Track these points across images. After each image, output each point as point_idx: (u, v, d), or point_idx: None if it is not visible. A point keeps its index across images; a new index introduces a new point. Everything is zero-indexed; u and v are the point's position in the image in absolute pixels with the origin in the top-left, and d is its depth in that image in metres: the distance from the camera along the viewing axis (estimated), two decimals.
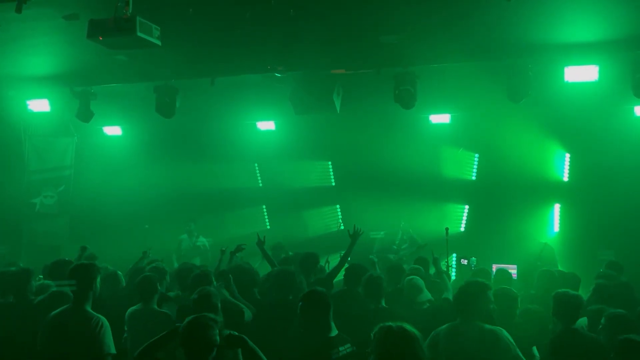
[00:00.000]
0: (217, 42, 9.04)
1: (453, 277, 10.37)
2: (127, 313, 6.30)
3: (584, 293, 7.28)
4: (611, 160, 11.19)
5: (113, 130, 13.99)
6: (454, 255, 11.83)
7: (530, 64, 9.38)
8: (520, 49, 9.08)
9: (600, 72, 9.44)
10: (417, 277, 7.08)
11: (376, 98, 10.79)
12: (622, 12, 7.82)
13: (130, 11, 6.56)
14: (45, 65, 10.58)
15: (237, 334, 4.36)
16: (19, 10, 6.94)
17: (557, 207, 12.23)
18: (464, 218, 12.96)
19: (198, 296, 5.44)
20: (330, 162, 13.97)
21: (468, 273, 9.21)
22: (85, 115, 11.50)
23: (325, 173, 14.00)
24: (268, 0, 7.44)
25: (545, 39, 8.85)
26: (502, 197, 12.07)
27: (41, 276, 7.89)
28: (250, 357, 4.31)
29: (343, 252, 10.22)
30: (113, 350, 5.28)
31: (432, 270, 8.21)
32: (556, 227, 12.07)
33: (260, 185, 14.41)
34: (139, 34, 6.52)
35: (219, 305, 5.43)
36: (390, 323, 3.79)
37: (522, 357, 4.94)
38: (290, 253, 9.98)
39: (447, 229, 9.89)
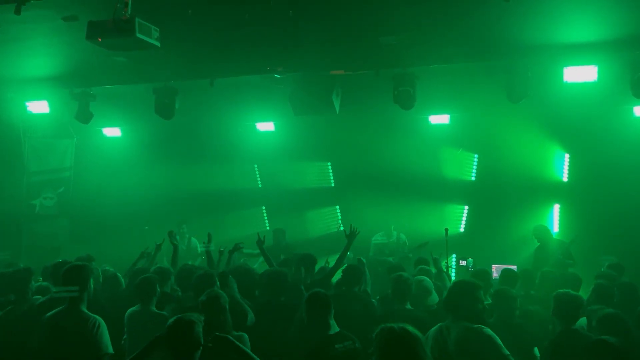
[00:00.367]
0: (216, 43, 9.04)
1: (453, 278, 10.36)
2: (126, 314, 6.30)
3: (584, 293, 7.32)
4: (610, 161, 11.19)
5: (112, 132, 13.99)
6: (454, 255, 11.84)
7: (530, 64, 9.38)
8: (519, 49, 9.08)
9: (599, 73, 9.44)
10: (427, 279, 7.08)
11: (375, 99, 10.78)
12: (621, 12, 7.82)
13: (130, 12, 6.56)
14: (45, 66, 10.58)
15: (221, 335, 4.39)
16: (18, 11, 6.95)
17: (556, 208, 12.23)
18: (464, 218, 12.96)
19: (206, 298, 5.41)
20: (329, 163, 13.97)
21: (466, 274, 9.22)
22: (85, 116, 11.50)
23: (324, 174, 14.00)
24: (267, 1, 7.44)
25: (544, 40, 8.85)
26: (501, 197, 12.07)
27: (40, 277, 7.89)
28: (238, 358, 4.33)
29: (348, 253, 10.31)
30: (110, 350, 5.29)
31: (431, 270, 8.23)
32: (556, 228, 12.07)
33: (260, 186, 14.41)
34: (138, 35, 6.52)
35: (227, 307, 5.42)
36: (392, 324, 3.79)
37: (511, 357, 4.88)
38: (282, 256, 10.02)
39: (446, 229, 9.91)
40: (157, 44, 6.85)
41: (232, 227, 12.02)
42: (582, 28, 8.52)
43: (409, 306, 6.36)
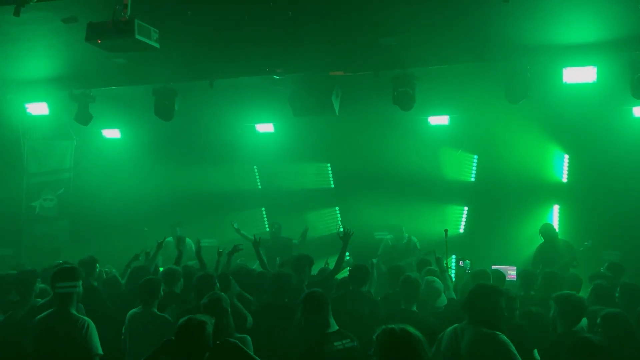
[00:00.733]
0: (216, 44, 9.04)
1: (453, 279, 10.35)
2: (127, 315, 6.28)
3: (584, 294, 7.31)
4: (610, 161, 11.19)
5: (112, 133, 14.00)
6: (453, 256, 11.83)
7: (529, 65, 9.38)
8: (519, 50, 9.09)
9: (598, 73, 9.44)
10: (438, 281, 7.08)
11: (375, 100, 10.79)
12: (620, 13, 7.83)
13: (129, 14, 6.57)
14: (44, 68, 10.59)
15: (232, 340, 4.39)
16: (17, 13, 6.94)
17: (556, 208, 12.23)
18: (463, 219, 12.95)
19: (209, 300, 5.39)
20: (329, 164, 13.97)
21: (465, 275, 9.22)
22: (84, 118, 11.50)
23: (324, 175, 14.00)
24: (267, 2, 7.45)
25: (544, 40, 8.86)
26: (501, 198, 12.07)
27: (39, 279, 7.88)
28: None
29: (348, 253, 10.29)
30: (100, 351, 5.30)
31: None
32: (555, 228, 12.05)
33: (260, 187, 14.41)
34: (137, 36, 6.53)
35: (229, 309, 5.42)
36: (393, 325, 3.76)
37: None
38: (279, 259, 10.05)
39: (446, 230, 9.90)
40: (157, 45, 6.86)
41: (231, 228, 12.00)
42: (581, 29, 8.53)
43: (414, 308, 6.34)
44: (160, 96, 10.82)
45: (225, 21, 8.15)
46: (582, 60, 9.40)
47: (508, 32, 8.57)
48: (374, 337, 3.82)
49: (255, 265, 9.39)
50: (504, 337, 4.80)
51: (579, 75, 9.56)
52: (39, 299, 6.65)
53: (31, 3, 6.86)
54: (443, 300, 6.90)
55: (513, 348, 4.75)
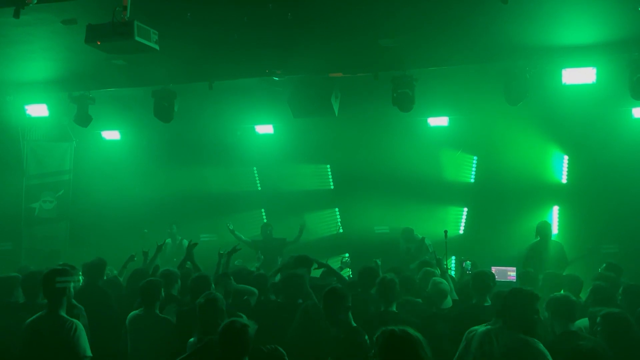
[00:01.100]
0: (215, 46, 9.05)
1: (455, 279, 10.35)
2: (128, 317, 6.28)
3: (584, 294, 7.32)
4: (609, 162, 11.19)
5: (112, 135, 13.99)
6: (453, 257, 11.84)
7: (528, 66, 9.38)
8: (518, 51, 9.10)
9: (597, 74, 9.44)
10: (445, 282, 7.07)
11: (374, 101, 10.79)
12: (619, 14, 7.83)
13: (128, 16, 6.57)
14: (44, 70, 10.58)
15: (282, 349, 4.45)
16: (17, 15, 6.94)
17: (555, 209, 12.23)
18: (463, 220, 12.96)
19: (205, 300, 5.44)
20: (328, 166, 13.97)
21: (464, 276, 9.22)
22: (83, 119, 11.49)
23: (324, 176, 14.00)
24: (266, 4, 7.45)
25: (543, 41, 8.86)
26: (500, 199, 12.07)
27: None
28: None
29: (343, 255, 10.30)
30: (89, 353, 5.29)
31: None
32: (555, 229, 12.06)
33: (259, 189, 14.41)
34: (137, 38, 6.53)
35: (224, 309, 5.43)
36: (393, 327, 3.76)
37: None
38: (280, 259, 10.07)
39: (446, 231, 9.92)
40: (156, 47, 6.86)
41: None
42: (580, 30, 8.54)
43: (394, 308, 6.32)
44: (160, 98, 10.82)
45: (225, 23, 8.15)
46: (582, 61, 9.41)
47: (507, 33, 8.57)
48: (374, 338, 3.83)
49: (253, 268, 9.40)
50: (542, 346, 4.79)
51: (578, 76, 9.56)
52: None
53: (31, 5, 6.85)
54: (449, 302, 6.90)
55: (550, 357, 4.75)
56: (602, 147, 11.25)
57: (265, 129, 13.12)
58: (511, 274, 9.75)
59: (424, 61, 9.62)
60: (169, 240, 12.37)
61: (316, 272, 8.54)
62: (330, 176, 13.98)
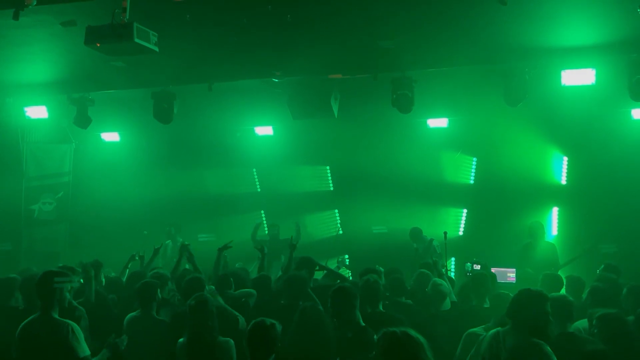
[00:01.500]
0: (215, 48, 9.05)
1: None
2: (125, 319, 6.28)
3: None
4: (609, 163, 11.20)
5: (111, 137, 14.00)
6: (453, 259, 11.84)
7: (527, 67, 9.38)
8: (517, 52, 9.10)
9: (597, 76, 9.45)
10: (445, 284, 7.07)
11: (374, 103, 10.81)
12: (619, 15, 7.83)
13: (128, 17, 6.58)
14: (43, 71, 10.58)
15: None
16: (16, 17, 6.94)
17: (555, 211, 12.23)
18: (463, 222, 12.96)
19: (195, 302, 5.46)
20: (328, 167, 13.98)
21: (463, 278, 9.21)
22: (83, 121, 11.48)
23: (323, 178, 14.01)
24: (265, 5, 7.45)
25: (542, 43, 8.86)
26: (500, 200, 12.07)
27: None
28: None
29: (343, 257, 10.26)
30: (88, 352, 5.26)
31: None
32: (555, 231, 12.07)
33: (259, 190, 14.41)
34: (136, 40, 6.53)
35: (215, 311, 5.46)
36: (394, 328, 3.73)
37: None
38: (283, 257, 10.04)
39: (445, 233, 9.91)
40: (156, 48, 6.86)
41: (231, 232, 12.00)
42: (579, 31, 8.54)
43: (380, 308, 6.29)
44: (159, 99, 10.81)
45: (224, 24, 8.16)
46: (581, 62, 9.41)
47: (506, 34, 8.57)
48: (375, 339, 3.82)
49: (251, 269, 9.41)
50: (549, 349, 4.74)
51: (578, 77, 9.57)
52: None
53: (30, 7, 6.86)
54: (447, 304, 6.90)
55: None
56: (601, 148, 11.26)
57: (264, 130, 13.13)
58: (511, 275, 9.74)
59: (423, 62, 9.61)
60: (168, 242, 12.35)
61: (319, 274, 8.55)
62: (329, 177, 13.99)
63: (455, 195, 12.77)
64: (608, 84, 9.58)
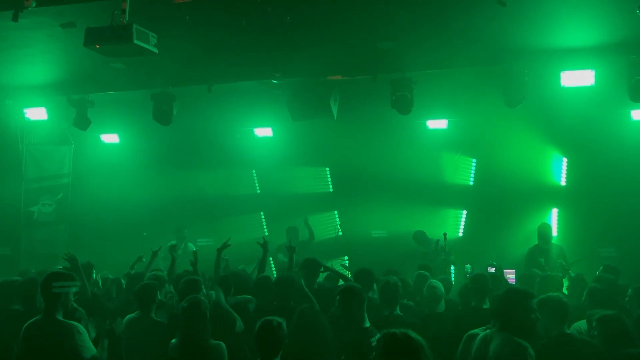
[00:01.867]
0: (214, 49, 9.05)
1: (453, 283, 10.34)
2: (124, 320, 6.28)
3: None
4: (609, 164, 11.19)
5: (110, 138, 13.98)
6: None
7: (527, 69, 9.38)
8: (516, 54, 9.11)
9: (596, 77, 9.46)
10: (440, 286, 7.07)
11: (373, 104, 10.79)
12: (618, 16, 7.84)
13: (127, 19, 6.58)
14: (42, 73, 10.59)
15: None
16: (15, 18, 6.95)
17: (554, 212, 12.23)
18: (462, 223, 12.95)
19: (187, 304, 5.49)
20: (328, 168, 13.96)
21: (462, 280, 9.21)
22: (82, 123, 11.49)
23: (323, 179, 13.99)
24: (264, 7, 7.45)
25: (541, 44, 8.87)
26: (499, 201, 12.05)
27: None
28: None
29: (345, 258, 10.22)
30: (94, 351, 5.26)
31: None
32: (554, 232, 12.06)
33: (258, 191, 14.39)
34: (135, 41, 6.54)
35: (208, 313, 5.48)
36: (394, 330, 3.72)
37: None
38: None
39: (445, 234, 9.89)
40: (155, 50, 6.87)
41: (230, 233, 11.96)
42: (579, 32, 8.55)
43: (398, 311, 6.31)
44: (159, 101, 10.82)
45: (224, 26, 8.17)
46: (580, 63, 9.41)
47: (506, 35, 8.58)
48: (375, 341, 3.82)
49: (250, 270, 9.39)
50: (530, 351, 4.72)
51: (577, 78, 9.58)
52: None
53: (29, 9, 6.87)
54: (442, 306, 6.92)
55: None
56: (601, 149, 11.25)
57: (264, 131, 13.12)
58: (510, 276, 9.73)
59: (422, 64, 9.62)
60: (172, 243, 12.17)
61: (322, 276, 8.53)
62: (329, 179, 13.97)
63: (454, 196, 12.75)
64: (607, 85, 9.58)
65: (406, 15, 7.88)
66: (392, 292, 6.31)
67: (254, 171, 14.39)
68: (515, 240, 11.47)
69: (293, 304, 6.54)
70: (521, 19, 7.88)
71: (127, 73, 10.07)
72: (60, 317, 5.28)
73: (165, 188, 13.59)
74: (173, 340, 5.48)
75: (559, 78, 9.62)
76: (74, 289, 5.53)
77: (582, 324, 6.08)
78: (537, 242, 10.38)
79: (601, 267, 8.58)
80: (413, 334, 3.70)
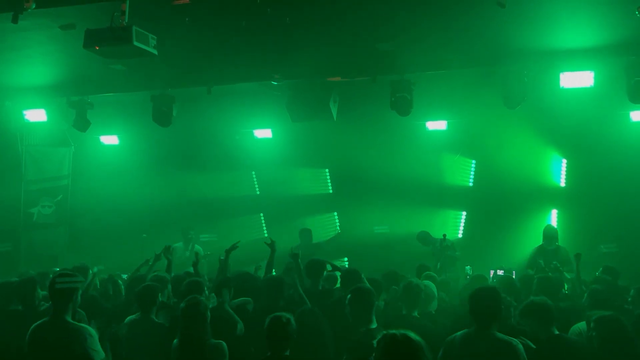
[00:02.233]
0: (214, 51, 9.06)
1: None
2: (125, 322, 6.28)
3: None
4: (608, 166, 11.19)
5: (110, 140, 13.98)
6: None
7: (526, 70, 9.39)
8: (516, 55, 9.12)
9: (595, 78, 9.46)
10: (432, 285, 7.08)
11: (372, 105, 10.80)
12: (617, 17, 7.85)
13: (127, 20, 6.59)
14: (42, 75, 10.59)
15: None
16: (15, 20, 6.96)
17: (554, 213, 12.23)
18: (462, 224, 12.95)
19: (186, 305, 5.48)
20: (327, 170, 13.97)
21: (463, 281, 9.22)
22: (82, 124, 11.49)
23: (322, 180, 14.00)
24: (264, 8, 7.46)
25: (541, 45, 8.88)
26: (499, 203, 12.06)
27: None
28: None
29: (346, 259, 10.19)
30: (103, 355, 5.22)
31: None
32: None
33: (258, 193, 14.40)
34: (135, 43, 6.55)
35: (208, 314, 5.48)
36: (394, 331, 3.72)
37: None
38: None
39: (444, 235, 9.89)
40: (155, 51, 6.88)
41: (230, 235, 11.98)
42: (578, 34, 8.55)
43: (416, 314, 6.33)
44: (158, 102, 10.82)
45: (223, 27, 8.17)
46: (580, 65, 9.42)
47: (505, 37, 8.58)
48: (375, 342, 3.82)
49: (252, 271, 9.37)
50: (521, 345, 4.81)
51: (577, 80, 9.58)
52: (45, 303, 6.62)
53: (29, 10, 6.87)
54: (434, 305, 6.94)
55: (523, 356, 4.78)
56: (600, 150, 11.25)
57: (263, 133, 13.13)
58: None
59: (422, 65, 9.62)
60: (179, 245, 12.15)
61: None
62: (328, 180, 13.98)
63: (454, 197, 12.76)
64: (607, 86, 9.59)
65: (405, 16, 7.88)
66: (414, 293, 6.36)
67: (253, 172, 14.39)
68: (514, 242, 11.47)
69: (282, 304, 6.56)
70: (520, 20, 7.89)
71: (126, 74, 10.07)
72: (69, 319, 5.19)
73: (164, 190, 13.60)
74: (175, 341, 5.47)
75: (558, 79, 9.62)
76: (80, 290, 5.49)
77: (582, 325, 6.07)
78: (541, 243, 10.37)
79: (601, 268, 8.58)
80: (413, 335, 3.69)
